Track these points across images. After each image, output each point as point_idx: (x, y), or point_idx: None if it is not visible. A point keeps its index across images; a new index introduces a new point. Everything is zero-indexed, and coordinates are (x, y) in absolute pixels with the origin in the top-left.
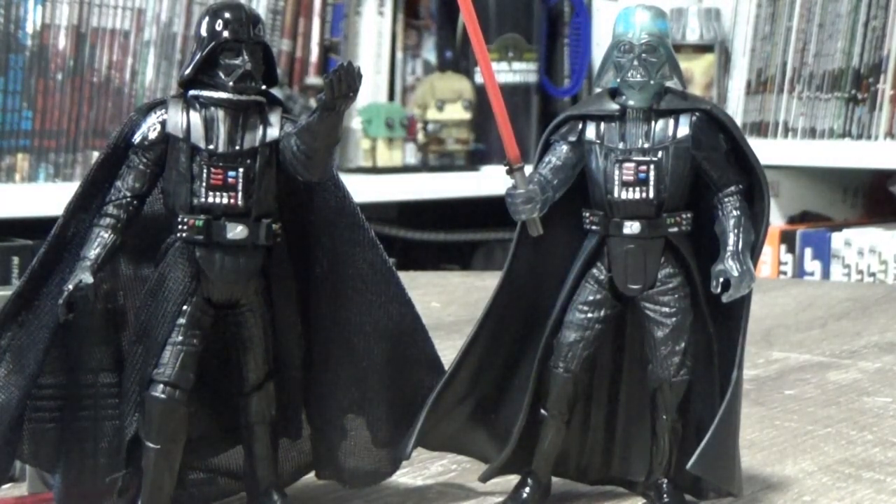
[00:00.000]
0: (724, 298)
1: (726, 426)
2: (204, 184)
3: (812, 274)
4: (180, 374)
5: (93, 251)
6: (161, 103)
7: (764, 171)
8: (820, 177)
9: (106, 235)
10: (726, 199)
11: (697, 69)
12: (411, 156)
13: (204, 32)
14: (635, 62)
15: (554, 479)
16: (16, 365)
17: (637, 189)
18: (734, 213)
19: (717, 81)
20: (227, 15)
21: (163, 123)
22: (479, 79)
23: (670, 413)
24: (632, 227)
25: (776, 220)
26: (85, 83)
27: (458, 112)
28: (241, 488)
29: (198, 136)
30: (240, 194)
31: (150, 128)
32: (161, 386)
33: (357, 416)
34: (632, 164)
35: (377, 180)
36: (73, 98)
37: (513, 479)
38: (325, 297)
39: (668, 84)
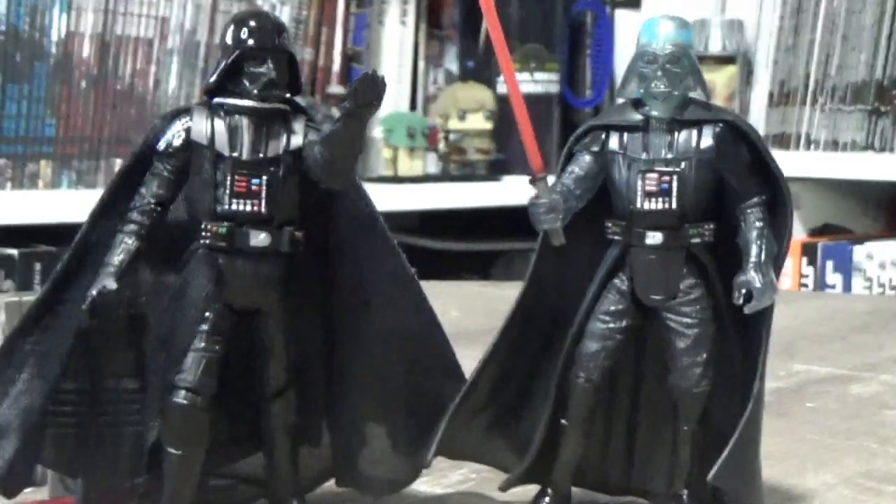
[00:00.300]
0: (747, 310)
1: (748, 438)
2: (227, 191)
3: (833, 286)
4: (202, 380)
5: (116, 257)
6: (186, 111)
7: (787, 183)
8: (842, 189)
9: (129, 242)
10: (749, 211)
11: (719, 81)
12: (432, 165)
13: (229, 41)
14: (659, 72)
15: (573, 490)
16: (38, 369)
17: (660, 199)
18: (757, 224)
19: (740, 93)
20: (252, 23)
21: (187, 131)
22: (500, 89)
23: (691, 424)
24: (654, 238)
25: (797, 233)
26: (108, 91)
27: (479, 122)
28: (261, 494)
29: (222, 143)
30: (263, 201)
31: (174, 135)
32: (183, 392)
33: (377, 423)
34: (655, 175)
35: (398, 189)
36: (97, 105)
37: (532, 489)
38: (346, 305)
39: (692, 94)
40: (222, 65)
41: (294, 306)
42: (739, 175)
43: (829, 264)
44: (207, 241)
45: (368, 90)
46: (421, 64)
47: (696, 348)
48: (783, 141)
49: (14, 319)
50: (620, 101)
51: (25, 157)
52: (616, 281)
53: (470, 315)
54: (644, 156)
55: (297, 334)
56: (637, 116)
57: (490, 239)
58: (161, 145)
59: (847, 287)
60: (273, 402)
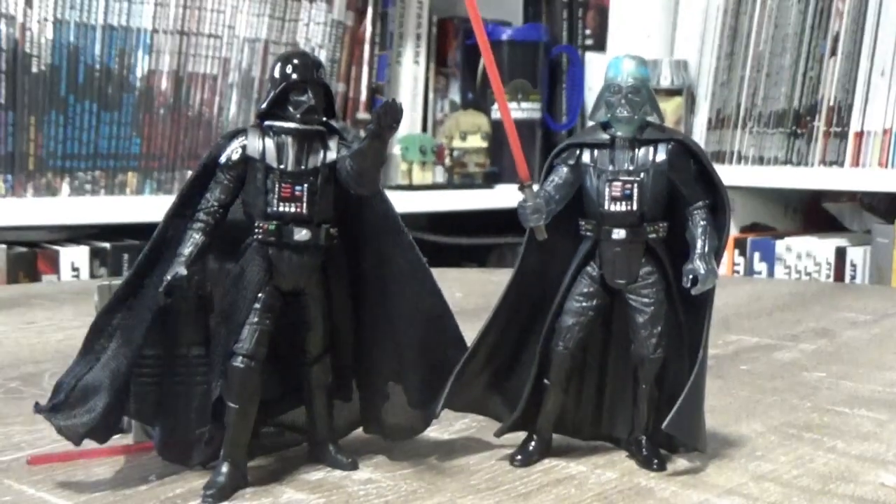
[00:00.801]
0: (693, 292)
1: (694, 394)
2: (276, 196)
3: (760, 273)
4: (256, 348)
5: (187, 249)
6: (242, 131)
7: (726, 190)
8: (767, 196)
9: (197, 237)
10: (695, 212)
11: (669, 109)
12: (440, 176)
13: (277, 75)
14: (622, 101)
15: (554, 436)
16: (125, 339)
17: (623, 203)
18: (701, 223)
19: (685, 119)
20: (295, 61)
21: (243, 147)
22: (494, 115)
23: (649, 383)
24: (619, 234)
25: (731, 230)
26: (182, 117)
27: (477, 141)
28: (303, 439)
29: (271, 157)
30: (305, 204)
31: (233, 151)
32: (240, 357)
33: (396, 383)
34: (619, 183)
35: (412, 195)
36: (173, 128)
37: (521, 435)
38: (372, 288)
39: (649, 119)
40: (271, 94)
41: (329, 289)
42: (688, 183)
43: (757, 255)
44: (260, 237)
45: (389, 115)
46: (430, 95)
47: (652, 322)
48: (720, 157)
49: (105, 300)
50: (591, 123)
51: (116, 170)
52: (588, 268)
53: (470, 296)
54: (610, 168)
55: (331, 311)
56: (605, 136)
57: (486, 235)
58: (223, 159)
59: (771, 273)
60: (312, 365)
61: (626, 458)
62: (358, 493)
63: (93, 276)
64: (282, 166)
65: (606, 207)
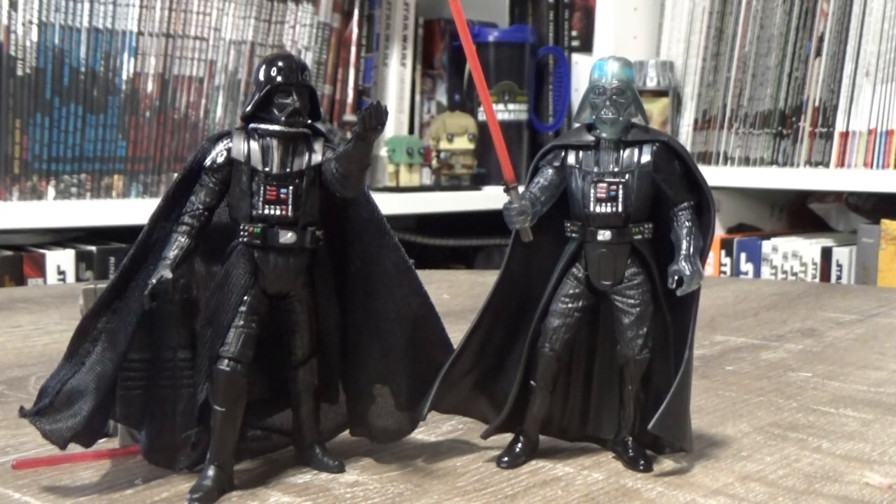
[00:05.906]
0: (679, 293)
1: (680, 394)
2: (261, 199)
3: (746, 273)
4: (241, 351)
5: (172, 252)
6: (227, 134)
7: (711, 191)
8: (753, 196)
9: (182, 240)
10: (680, 213)
11: (655, 110)
12: (427, 178)
13: (261, 77)
14: (607, 102)
15: (540, 437)
16: (110, 343)
17: (608, 204)
18: (686, 223)
19: (671, 120)
20: (280, 63)
21: (228, 150)
22: (481, 117)
23: (635, 384)
24: (604, 235)
25: (717, 231)
26: (168, 119)
27: (464, 143)
28: (290, 443)
29: (256, 160)
30: (290, 207)
31: (218, 153)
32: (226, 360)
33: (383, 385)
34: (604, 185)
35: (400, 197)
36: (159, 131)
37: (508, 437)
38: (358, 290)
39: (634, 120)
40: (256, 97)
41: (316, 291)
42: (672, 184)
43: (743, 256)
44: (245, 239)
45: (374, 117)
46: (417, 97)
47: (638, 323)
48: (706, 157)
49: (90, 303)
50: (576, 125)
51: (102, 173)
52: (574, 270)
53: (457, 297)
54: (596, 169)
55: (318, 314)
56: (590, 138)
57: (473, 236)
58: (207, 162)
59: (757, 274)
60: (299, 368)
61: (612, 458)
62: (345, 496)
63: (79, 279)
64: (267, 169)
65: (592, 209)
